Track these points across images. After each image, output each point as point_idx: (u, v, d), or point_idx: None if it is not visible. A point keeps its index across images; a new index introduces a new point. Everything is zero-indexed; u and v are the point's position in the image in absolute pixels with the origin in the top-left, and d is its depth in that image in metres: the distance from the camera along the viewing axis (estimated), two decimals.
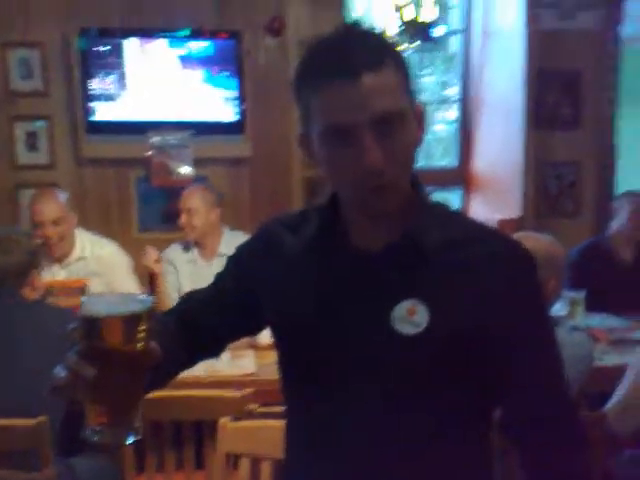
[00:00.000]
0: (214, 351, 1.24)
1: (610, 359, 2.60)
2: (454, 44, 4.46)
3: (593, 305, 2.97)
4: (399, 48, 1.03)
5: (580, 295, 2.87)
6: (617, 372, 2.08)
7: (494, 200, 4.21)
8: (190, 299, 1.22)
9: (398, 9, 3.85)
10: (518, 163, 3.99)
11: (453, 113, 4.85)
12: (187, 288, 2.94)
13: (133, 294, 0.94)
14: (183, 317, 1.17)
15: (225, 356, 2.54)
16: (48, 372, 2.14)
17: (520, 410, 1.08)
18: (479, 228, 1.08)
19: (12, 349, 2.11)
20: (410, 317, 1.00)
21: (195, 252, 3.16)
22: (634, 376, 1.92)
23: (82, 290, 2.73)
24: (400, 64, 0.99)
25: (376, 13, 4.16)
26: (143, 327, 0.89)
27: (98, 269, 3.01)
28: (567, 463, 1.07)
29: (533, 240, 2.03)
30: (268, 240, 1.14)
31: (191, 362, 1.19)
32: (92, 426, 0.90)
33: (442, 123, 5.12)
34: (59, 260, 2.97)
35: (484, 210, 4.24)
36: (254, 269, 1.14)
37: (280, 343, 1.14)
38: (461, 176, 4.43)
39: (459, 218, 1.11)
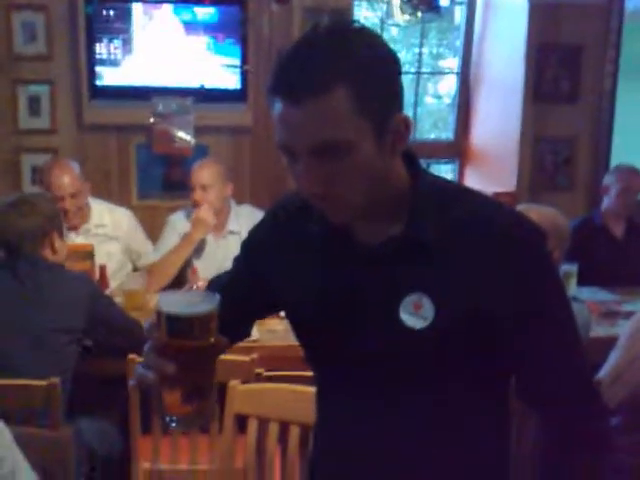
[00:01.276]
0: (239, 336, 1.25)
1: (601, 330, 2.68)
2: (456, 16, 4.46)
3: (585, 278, 3.04)
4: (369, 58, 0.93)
5: (573, 268, 2.93)
6: (608, 343, 2.16)
7: (489, 173, 4.25)
8: (213, 287, 1.23)
9: None
10: (515, 137, 4.03)
11: (446, 86, 4.87)
12: (196, 263, 3.02)
13: (201, 292, 1.01)
14: None
15: None
16: (60, 333, 2.20)
17: (538, 393, 1.08)
18: (480, 206, 1.04)
19: (26, 310, 2.15)
20: (417, 311, 1.00)
21: None
22: (625, 346, 1.99)
23: (90, 254, 2.77)
24: (359, 84, 0.91)
25: None
26: (215, 322, 0.96)
27: (118, 234, 3.12)
28: (584, 461, 1.07)
29: (537, 212, 2.09)
30: (276, 230, 1.14)
31: None
32: (172, 414, 0.97)
33: (434, 96, 5.14)
34: (75, 228, 3.04)
35: (479, 183, 4.28)
36: (264, 259, 1.15)
37: (293, 328, 1.16)
38: (457, 149, 4.47)
39: (459, 197, 1.05)
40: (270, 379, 1.99)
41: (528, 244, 1.01)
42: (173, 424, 0.98)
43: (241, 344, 2.48)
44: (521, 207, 2.24)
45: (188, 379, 0.95)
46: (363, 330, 1.04)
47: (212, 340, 0.96)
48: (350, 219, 1.02)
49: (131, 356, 2.09)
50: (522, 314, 1.00)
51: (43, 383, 2.01)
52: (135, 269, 3.22)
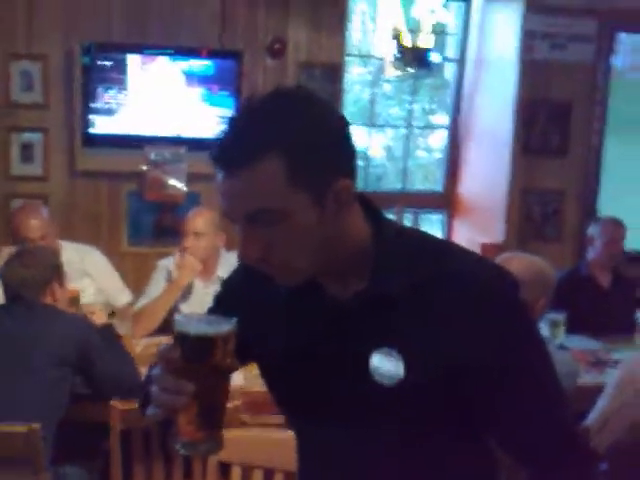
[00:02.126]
0: None
1: (589, 378, 2.67)
2: (447, 71, 4.56)
3: (572, 327, 3.05)
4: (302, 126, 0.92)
5: (560, 317, 2.94)
6: (596, 391, 2.16)
7: (478, 224, 4.29)
8: None
9: (396, 35, 3.95)
10: (503, 189, 4.09)
11: (437, 140, 4.95)
12: (183, 308, 3.01)
13: (216, 316, 1.00)
14: None
15: None
16: (52, 367, 2.23)
17: (517, 445, 1.06)
18: (449, 261, 1.00)
19: (20, 346, 2.20)
20: (386, 367, 0.98)
21: None
22: (612, 394, 1.98)
23: (76, 300, 2.75)
24: (293, 154, 0.90)
25: (374, 38, 4.26)
26: (233, 343, 0.96)
27: (89, 270, 3.12)
28: None
29: (521, 260, 2.10)
30: (246, 282, 1.12)
31: None
32: (185, 438, 0.96)
33: (425, 150, 5.21)
34: None
35: (468, 234, 4.32)
36: (235, 311, 1.08)
37: (264, 381, 1.16)
38: (446, 200, 4.52)
39: (427, 252, 1.01)
40: (255, 425, 1.96)
41: (500, 296, 0.99)
42: (183, 449, 0.96)
43: None
44: (505, 255, 2.25)
45: (205, 401, 0.94)
46: (334, 385, 1.02)
47: (229, 361, 0.95)
48: (300, 282, 1.00)
49: (113, 402, 2.06)
50: (496, 369, 0.98)
51: (23, 429, 1.97)
52: (113, 313, 3.19)
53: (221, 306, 1.17)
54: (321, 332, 1.02)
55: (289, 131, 0.90)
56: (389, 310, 0.98)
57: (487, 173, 4.25)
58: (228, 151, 0.92)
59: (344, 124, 0.96)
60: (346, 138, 0.96)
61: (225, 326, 0.96)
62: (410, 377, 0.97)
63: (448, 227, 4.50)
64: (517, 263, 2.09)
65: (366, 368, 0.99)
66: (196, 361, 0.94)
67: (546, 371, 1.03)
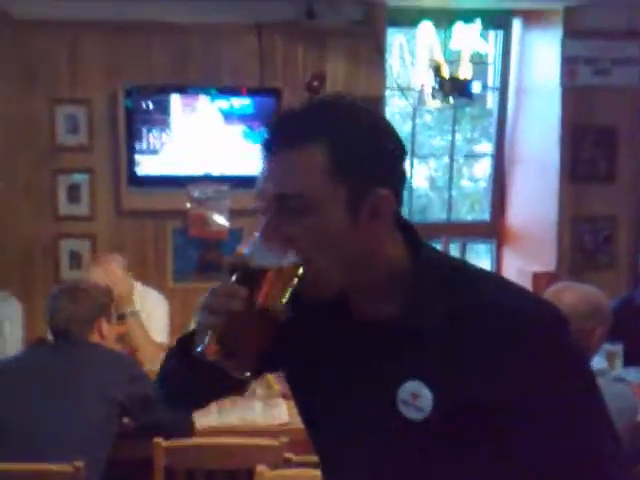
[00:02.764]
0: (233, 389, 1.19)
1: None
2: (489, 101, 4.53)
3: (630, 359, 2.93)
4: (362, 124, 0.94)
5: (617, 348, 2.84)
6: None
7: (528, 254, 4.20)
8: None
9: (434, 66, 3.94)
10: (552, 217, 4.00)
11: (482, 168, 4.89)
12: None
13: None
14: None
15: (258, 405, 2.54)
16: (99, 404, 2.22)
17: None
18: (488, 291, 0.96)
19: (67, 383, 2.19)
20: (414, 400, 0.94)
21: None
22: None
23: (120, 337, 2.76)
24: (339, 148, 0.91)
25: (414, 70, 4.25)
26: (292, 283, 0.92)
27: (145, 310, 3.07)
28: None
29: (576, 291, 2.03)
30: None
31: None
32: (214, 355, 0.92)
33: (470, 179, 5.16)
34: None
35: (518, 263, 4.23)
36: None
37: (296, 405, 1.13)
38: (494, 230, 4.44)
39: (466, 281, 0.97)
40: (301, 464, 1.91)
41: (541, 334, 0.92)
42: (213, 360, 0.92)
43: (269, 427, 2.44)
44: (559, 286, 2.18)
45: (243, 331, 0.91)
46: (360, 412, 1.00)
47: (283, 300, 0.91)
48: (327, 296, 0.96)
49: (157, 439, 2.04)
50: (530, 412, 0.91)
51: (69, 468, 1.96)
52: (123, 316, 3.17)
53: None
54: (351, 356, 1.00)
55: (342, 126, 0.92)
56: (421, 340, 0.95)
57: (535, 201, 4.18)
58: (280, 132, 0.93)
59: (399, 146, 0.96)
60: (397, 158, 0.96)
61: (287, 260, 0.91)
62: (437, 413, 0.93)
63: (497, 257, 4.42)
64: (571, 294, 2.02)
65: (394, 399, 0.95)
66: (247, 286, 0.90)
67: (591, 421, 0.94)
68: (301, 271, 0.92)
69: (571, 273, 3.91)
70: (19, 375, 2.23)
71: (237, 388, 1.13)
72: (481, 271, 1.03)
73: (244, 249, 0.93)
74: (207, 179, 3.78)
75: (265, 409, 2.55)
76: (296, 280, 0.92)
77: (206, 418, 2.34)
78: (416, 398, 0.94)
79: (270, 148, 0.93)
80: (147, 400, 2.25)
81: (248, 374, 0.94)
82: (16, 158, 3.70)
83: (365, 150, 0.92)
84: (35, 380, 2.19)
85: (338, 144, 0.91)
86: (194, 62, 3.78)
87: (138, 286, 3.18)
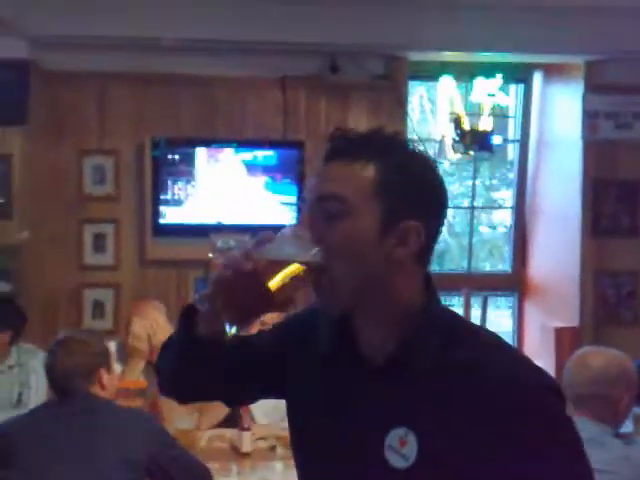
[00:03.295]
0: (229, 396, 1.24)
1: None
2: (509, 153, 4.56)
3: None
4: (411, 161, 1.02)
5: None
6: None
7: (551, 307, 4.17)
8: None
9: (455, 118, 3.99)
10: (575, 270, 3.98)
11: (500, 215, 4.90)
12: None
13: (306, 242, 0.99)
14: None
15: (278, 465, 2.55)
16: (124, 468, 2.12)
17: None
18: (484, 352, 0.97)
19: (86, 445, 2.09)
20: (401, 447, 0.96)
21: None
22: None
23: (142, 391, 2.76)
24: (389, 174, 0.98)
25: (434, 121, 4.30)
26: (303, 278, 0.98)
27: None
28: None
29: (604, 354, 2.01)
30: (304, 329, 1.14)
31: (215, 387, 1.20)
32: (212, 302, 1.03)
33: (488, 226, 5.16)
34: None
35: (540, 318, 4.20)
36: (286, 349, 1.15)
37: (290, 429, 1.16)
38: (515, 281, 4.43)
39: (466, 335, 1.00)
40: None
41: (530, 405, 0.92)
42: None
43: None
44: (586, 350, 2.16)
45: (242, 300, 0.99)
46: (353, 459, 1.01)
47: (285, 296, 0.98)
48: (337, 309, 1.01)
49: None
50: (513, 473, 0.91)
51: None
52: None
53: (279, 336, 1.19)
54: (348, 390, 1.02)
55: (395, 155, 1.00)
56: (415, 384, 0.97)
57: (556, 253, 4.17)
58: (341, 144, 1.02)
59: (442, 191, 1.02)
60: (438, 200, 1.02)
61: (301, 256, 0.97)
62: (420, 462, 0.94)
63: (519, 310, 4.39)
64: (599, 358, 2.00)
65: (382, 446, 0.97)
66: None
67: None
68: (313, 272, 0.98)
69: (594, 328, 3.88)
70: (27, 440, 2.09)
71: (229, 394, 1.20)
72: (483, 330, 1.06)
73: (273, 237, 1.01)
74: (230, 229, 3.80)
75: (286, 469, 2.52)
76: (305, 275, 0.98)
77: (226, 479, 2.32)
78: (403, 445, 0.96)
79: (327, 157, 1.01)
80: (171, 459, 2.19)
81: (234, 331, 1.04)
82: (44, 207, 3.75)
83: (411, 183, 0.99)
84: (44, 445, 2.06)
85: (388, 168, 0.98)
86: (219, 114, 3.85)
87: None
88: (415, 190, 0.99)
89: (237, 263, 0.99)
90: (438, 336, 0.98)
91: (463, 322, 1.05)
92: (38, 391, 2.92)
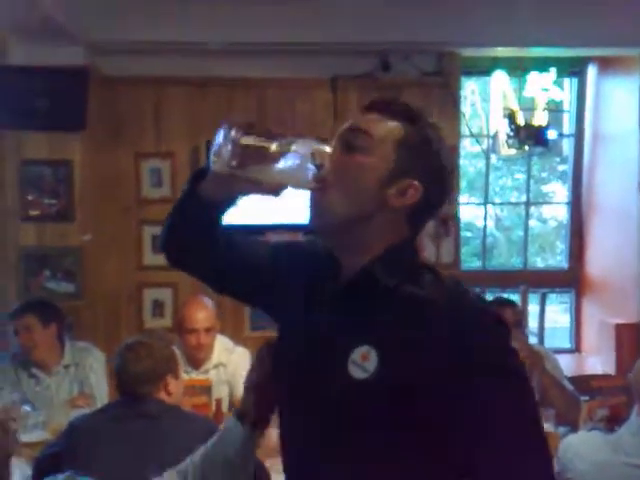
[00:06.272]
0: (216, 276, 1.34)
1: None
2: (564, 148, 4.49)
3: None
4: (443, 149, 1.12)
5: None
6: None
7: (609, 304, 4.09)
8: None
9: (509, 114, 3.95)
10: (635, 267, 3.90)
11: (550, 210, 4.82)
12: None
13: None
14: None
15: None
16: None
17: None
18: (450, 285, 1.08)
19: (147, 452, 2.07)
20: (362, 362, 1.04)
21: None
22: None
23: (208, 389, 2.79)
24: (410, 136, 1.10)
25: (487, 117, 4.27)
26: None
27: (229, 378, 3.02)
28: None
29: None
30: (300, 255, 1.26)
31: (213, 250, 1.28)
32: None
33: (538, 220, 5.08)
34: (198, 365, 3.00)
35: (599, 314, 4.13)
36: (278, 271, 1.25)
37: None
38: (572, 278, 4.36)
39: (433, 272, 1.11)
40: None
41: (482, 336, 1.02)
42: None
43: None
44: None
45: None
46: (321, 373, 1.09)
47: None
48: (325, 229, 1.13)
49: None
50: (467, 392, 0.99)
51: None
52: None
53: (277, 257, 1.29)
54: (326, 317, 1.11)
55: (420, 128, 1.11)
56: (380, 305, 1.06)
57: (614, 249, 4.09)
58: (383, 105, 1.13)
59: (450, 167, 1.14)
60: (442, 173, 1.12)
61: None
62: (378, 376, 1.02)
63: (576, 307, 4.33)
64: None
65: (347, 360, 1.05)
66: None
67: (524, 414, 1.02)
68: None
69: None
70: (91, 439, 2.09)
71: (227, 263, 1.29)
72: (455, 282, 1.13)
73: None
74: (284, 228, 3.85)
75: None
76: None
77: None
78: (365, 359, 1.04)
79: (367, 107, 1.13)
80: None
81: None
82: (104, 210, 3.86)
83: (424, 151, 1.11)
84: (107, 445, 2.06)
85: (412, 133, 1.11)
86: (270, 116, 3.88)
87: (222, 339, 3.16)
88: (426, 158, 1.11)
89: None
90: (409, 266, 1.10)
91: (434, 269, 1.13)
92: (100, 390, 2.96)
